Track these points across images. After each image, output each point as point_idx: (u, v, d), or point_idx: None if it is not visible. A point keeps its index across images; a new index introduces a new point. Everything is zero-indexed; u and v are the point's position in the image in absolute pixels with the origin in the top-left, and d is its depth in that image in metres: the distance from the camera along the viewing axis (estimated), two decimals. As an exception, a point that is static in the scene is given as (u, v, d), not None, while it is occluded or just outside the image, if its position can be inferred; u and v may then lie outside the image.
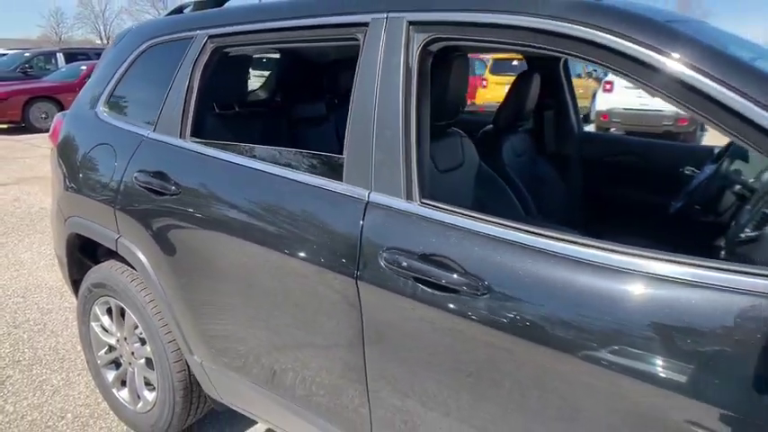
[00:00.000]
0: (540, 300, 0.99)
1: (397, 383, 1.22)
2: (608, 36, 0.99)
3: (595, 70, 11.48)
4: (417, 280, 1.11)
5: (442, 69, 1.52)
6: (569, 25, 1.04)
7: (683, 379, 0.85)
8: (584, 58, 1.05)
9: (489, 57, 11.45)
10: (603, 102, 9.44)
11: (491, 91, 10.61)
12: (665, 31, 0.96)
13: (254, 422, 2.10)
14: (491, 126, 2.26)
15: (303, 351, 1.40)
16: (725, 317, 0.82)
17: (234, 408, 1.75)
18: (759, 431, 0.79)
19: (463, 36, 1.21)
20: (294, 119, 2.39)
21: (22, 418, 2.18)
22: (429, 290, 1.09)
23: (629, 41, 0.97)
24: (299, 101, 2.48)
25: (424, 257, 1.11)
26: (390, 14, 1.28)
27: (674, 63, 0.92)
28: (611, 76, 9.49)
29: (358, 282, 1.20)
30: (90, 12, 48.95)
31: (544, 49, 1.10)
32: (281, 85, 2.66)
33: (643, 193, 2.22)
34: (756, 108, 0.86)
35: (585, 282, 0.95)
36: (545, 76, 2.31)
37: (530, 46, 1.13)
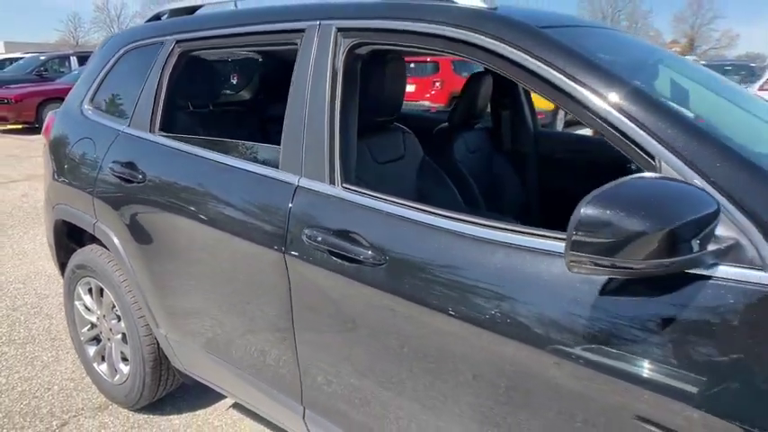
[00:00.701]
0: (430, 268, 1.14)
1: (319, 346, 1.38)
2: (488, 40, 1.15)
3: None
4: (331, 253, 1.27)
5: (377, 71, 1.68)
6: (459, 31, 1.19)
7: (554, 337, 0.99)
8: (475, 60, 1.21)
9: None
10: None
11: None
12: (532, 34, 1.12)
13: (222, 396, 2.27)
14: (446, 124, 2.42)
15: (245, 321, 1.57)
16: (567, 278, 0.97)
17: (194, 377, 1.92)
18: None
19: (382, 41, 1.38)
20: (266, 117, 2.57)
21: (12, 389, 2.38)
22: (339, 261, 1.26)
23: (505, 44, 1.12)
24: (272, 100, 2.66)
25: (338, 233, 1.28)
26: (322, 22, 1.45)
27: (535, 62, 1.08)
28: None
29: (285, 256, 1.37)
30: (106, 16, 49.99)
31: (445, 52, 1.26)
32: (261, 85, 2.84)
33: (594, 187, 2.35)
34: (599, 101, 1.00)
35: (464, 252, 1.10)
36: (500, 77, 2.46)
37: (435, 49, 1.29)
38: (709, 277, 0.85)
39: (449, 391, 1.15)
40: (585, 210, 0.78)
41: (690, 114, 0.99)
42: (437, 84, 11.21)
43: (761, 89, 7.86)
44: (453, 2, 1.28)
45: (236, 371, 1.67)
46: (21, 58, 13.28)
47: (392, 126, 1.93)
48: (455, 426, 1.16)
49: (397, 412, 1.27)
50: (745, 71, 14.87)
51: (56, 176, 2.24)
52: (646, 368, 0.88)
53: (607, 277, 0.91)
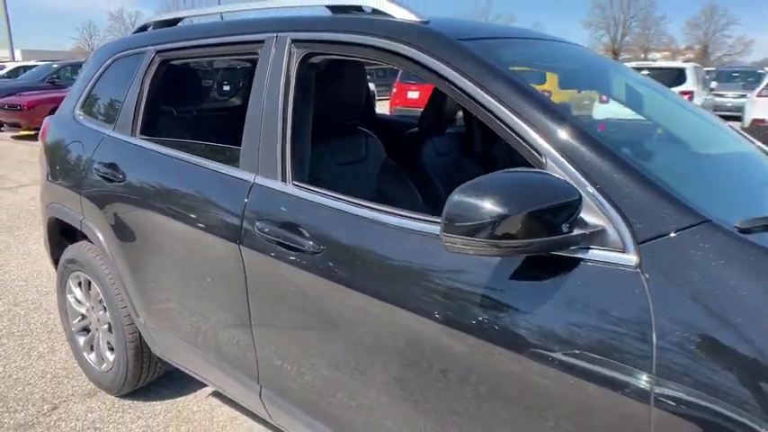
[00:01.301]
0: (357, 254, 1.27)
1: (271, 329, 1.51)
2: (412, 50, 1.28)
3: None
4: (278, 243, 1.41)
5: (335, 79, 1.82)
6: (391, 42, 1.33)
7: (442, 309, 1.12)
8: (405, 68, 1.34)
9: (561, 71, 11.78)
10: (599, 112, 9.57)
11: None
12: (449, 45, 1.25)
13: (202, 385, 2.41)
14: (416, 128, 2.55)
15: (210, 308, 1.71)
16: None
17: (170, 362, 2.07)
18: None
19: (331, 51, 1.52)
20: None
21: (9, 377, 2.54)
22: (285, 250, 1.39)
23: (424, 54, 1.26)
24: None
25: (285, 225, 1.41)
26: (279, 34, 1.59)
27: (449, 69, 1.21)
28: (608, 86, 9.63)
29: (241, 247, 1.51)
30: (120, 24, 50.96)
31: (382, 61, 1.40)
32: (248, 91, 3.00)
33: None
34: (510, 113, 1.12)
35: (382, 238, 1.23)
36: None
37: (373, 59, 1.42)
38: (582, 259, 0.97)
39: (375, 362, 1.27)
40: (456, 197, 0.91)
41: (578, 119, 1.10)
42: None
43: (759, 96, 7.89)
44: (391, 16, 1.42)
45: (203, 354, 1.81)
46: (35, 65, 13.68)
47: (355, 130, 2.07)
48: (382, 395, 1.28)
49: (338, 386, 1.40)
50: (753, 77, 14.84)
51: (49, 177, 2.41)
52: (531, 336, 1.00)
53: (499, 259, 1.03)
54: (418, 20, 1.38)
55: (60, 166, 2.34)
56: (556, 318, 0.97)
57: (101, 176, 2.05)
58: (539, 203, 0.88)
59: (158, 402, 2.36)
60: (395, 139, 2.49)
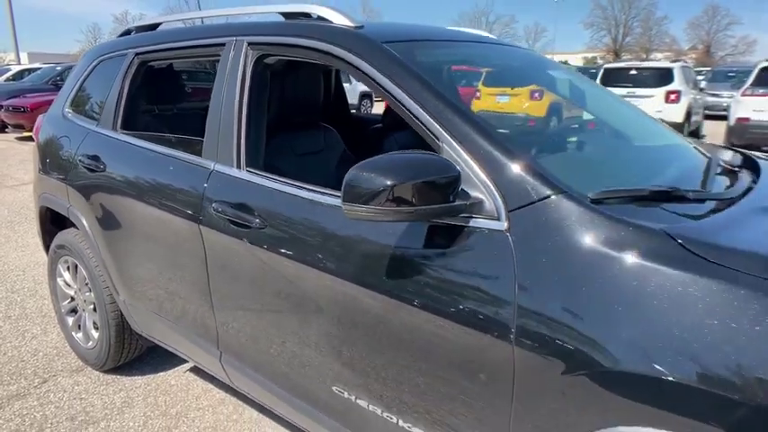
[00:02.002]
0: (292, 226, 1.47)
1: (227, 298, 1.71)
2: (342, 51, 1.47)
3: (588, 80, 11.73)
4: (230, 221, 1.60)
5: (291, 78, 2.01)
6: (327, 45, 1.52)
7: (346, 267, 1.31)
8: (339, 67, 1.53)
9: (483, 70, 11.88)
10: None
11: (484, 101, 11.03)
12: (371, 47, 1.44)
13: (182, 361, 2.60)
14: (380, 125, 2.74)
15: (177, 283, 1.90)
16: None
17: (147, 336, 2.26)
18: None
19: (280, 53, 1.71)
20: None
21: (4, 355, 2.74)
22: (236, 227, 1.59)
23: (353, 54, 1.44)
24: None
25: (236, 205, 1.60)
26: (237, 38, 1.79)
27: (370, 68, 1.40)
28: (598, 86, 9.80)
29: (200, 227, 1.70)
30: (125, 27, 51.38)
31: (321, 61, 1.59)
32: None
33: None
34: (413, 103, 1.31)
35: (308, 213, 1.43)
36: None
37: (316, 59, 1.61)
38: (465, 226, 1.16)
39: (310, 323, 1.46)
40: (353, 171, 1.09)
41: (468, 110, 1.27)
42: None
43: (743, 94, 8.03)
44: (330, 22, 1.61)
45: (173, 326, 2.01)
46: (38, 68, 13.97)
47: (315, 124, 2.26)
48: (315, 353, 1.47)
49: (283, 347, 1.59)
50: (748, 77, 14.96)
51: (41, 170, 2.61)
52: (425, 291, 1.18)
53: (403, 226, 1.22)
54: (353, 25, 1.57)
55: (51, 160, 2.54)
56: (444, 274, 1.16)
57: (85, 167, 2.25)
58: (421, 177, 1.07)
59: (139, 377, 2.56)
60: (365, 134, 2.69)
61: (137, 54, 2.25)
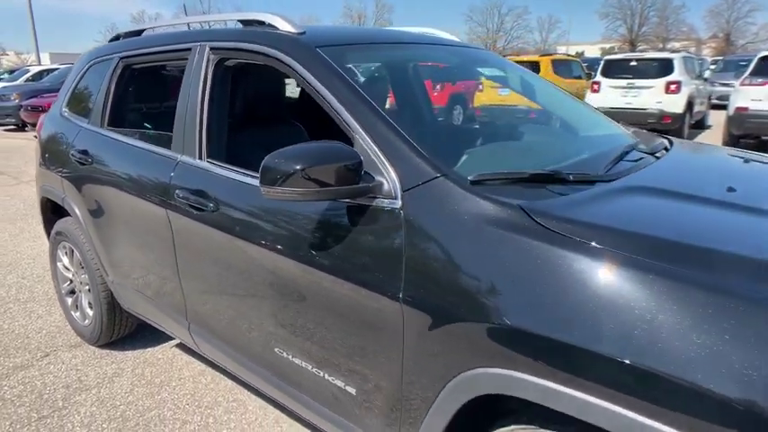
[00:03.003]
0: (235, 208, 1.68)
1: (192, 274, 1.93)
2: (282, 54, 1.67)
3: (590, 73, 11.73)
4: (190, 205, 1.83)
5: (252, 79, 2.22)
6: (271, 49, 1.72)
7: (288, 246, 1.52)
8: (283, 70, 1.72)
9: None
10: (591, 101, 9.78)
11: (486, 94, 11.11)
12: (305, 51, 1.64)
13: (169, 338, 2.85)
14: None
15: (152, 263, 2.14)
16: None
17: (133, 312, 2.51)
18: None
19: (235, 57, 1.92)
20: None
21: (12, 332, 3.03)
22: (195, 211, 1.81)
23: (291, 58, 1.65)
24: None
25: (195, 192, 1.83)
26: (201, 43, 2.01)
27: (303, 69, 1.60)
28: (598, 77, 9.83)
29: (168, 211, 1.93)
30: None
31: (267, 63, 1.79)
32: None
33: None
34: (335, 100, 1.51)
35: (244, 194, 1.64)
36: (396, 78, 2.95)
37: (264, 62, 1.81)
38: (369, 205, 1.35)
39: (253, 292, 1.68)
40: (268, 158, 1.30)
41: (378, 106, 1.47)
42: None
43: (742, 84, 8.00)
44: (277, 29, 1.81)
45: (151, 302, 2.25)
46: (56, 68, 14.46)
47: (284, 121, 2.47)
48: (259, 318, 1.69)
49: (237, 315, 1.81)
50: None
51: (41, 164, 2.88)
52: (336, 260, 1.39)
53: (324, 206, 1.43)
54: (295, 31, 1.77)
55: (49, 154, 2.81)
56: (352, 246, 1.36)
57: (76, 161, 2.50)
58: (325, 162, 1.27)
59: (130, 351, 2.82)
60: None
61: (121, 58, 2.48)
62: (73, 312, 2.94)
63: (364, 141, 1.41)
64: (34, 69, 14.99)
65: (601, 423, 1.00)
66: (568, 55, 13.56)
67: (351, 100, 1.47)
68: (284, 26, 1.80)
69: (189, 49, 2.06)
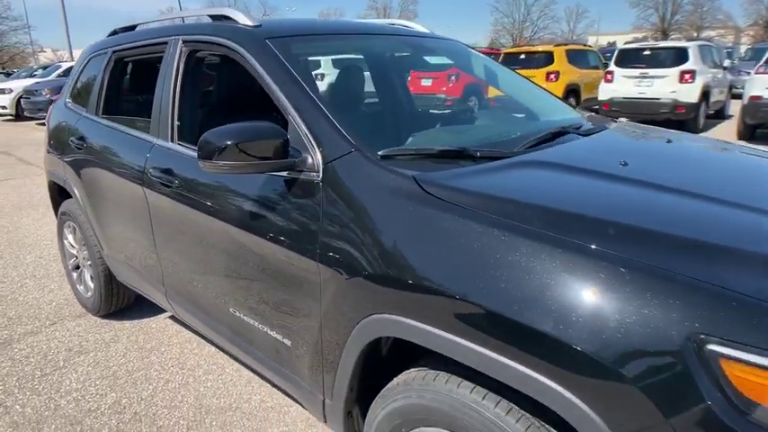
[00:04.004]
0: (192, 183, 1.89)
1: (166, 245, 2.16)
2: (237, 46, 1.86)
3: (607, 63, 11.56)
4: (160, 182, 2.05)
5: (220, 71, 2.42)
6: (228, 41, 1.91)
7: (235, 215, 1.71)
8: (239, 62, 1.91)
9: (501, 53, 11.94)
10: (605, 91, 9.68)
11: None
12: (255, 42, 1.82)
13: (162, 311, 3.11)
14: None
15: (135, 236, 2.37)
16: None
17: (126, 284, 2.77)
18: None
19: (202, 48, 2.13)
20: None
21: (26, 303, 3.34)
22: (164, 187, 2.03)
23: (244, 49, 1.83)
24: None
25: (164, 170, 2.04)
26: (175, 37, 2.22)
27: (253, 59, 1.78)
28: (612, 66, 9.72)
29: (144, 188, 2.16)
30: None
31: (228, 55, 1.98)
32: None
33: None
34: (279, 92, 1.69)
35: (204, 174, 1.84)
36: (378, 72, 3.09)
37: (225, 53, 2.00)
38: (297, 178, 1.54)
39: (211, 258, 1.89)
40: (204, 135, 1.49)
41: (311, 90, 1.64)
42: (452, 78, 11.73)
43: (757, 72, 7.83)
44: (237, 22, 2.00)
45: (137, 272, 2.49)
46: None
47: (248, 107, 2.65)
48: (216, 282, 1.90)
49: (201, 281, 2.02)
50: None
51: (49, 150, 3.16)
52: (271, 225, 1.58)
53: (260, 179, 1.62)
54: (251, 24, 1.96)
55: (54, 141, 3.08)
56: (283, 214, 1.55)
57: (75, 146, 2.76)
58: (254, 139, 1.45)
59: (127, 321, 3.09)
60: None
61: (114, 52, 2.73)
62: (78, 286, 3.23)
63: (295, 122, 1.59)
64: (65, 65, 15.65)
65: (464, 360, 1.16)
66: (585, 45, 13.39)
67: (287, 85, 1.66)
68: (243, 20, 1.99)
69: (166, 43, 2.27)
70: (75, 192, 2.82)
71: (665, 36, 43.01)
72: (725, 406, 0.88)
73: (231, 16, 2.05)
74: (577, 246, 1.06)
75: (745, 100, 7.89)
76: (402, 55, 2.38)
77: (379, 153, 1.48)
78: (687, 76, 8.73)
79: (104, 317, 3.12)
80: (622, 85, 9.32)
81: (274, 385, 2.32)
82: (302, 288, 1.53)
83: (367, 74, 2.39)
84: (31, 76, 16.75)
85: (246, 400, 2.35)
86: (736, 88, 11.58)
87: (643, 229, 1.10)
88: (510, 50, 11.73)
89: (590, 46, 13.40)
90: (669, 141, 1.93)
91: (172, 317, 3.11)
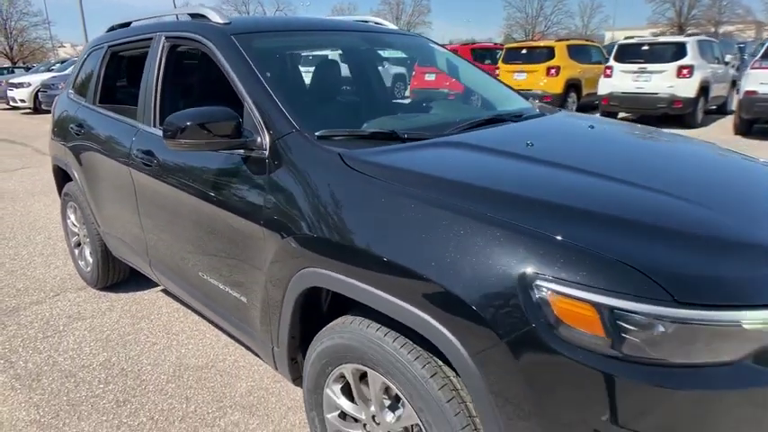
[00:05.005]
0: (164, 162, 2.15)
1: (149, 218, 2.43)
2: (208, 42, 2.11)
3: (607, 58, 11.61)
4: (143, 162, 2.31)
5: (199, 64, 2.68)
6: (201, 37, 2.16)
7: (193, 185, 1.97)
8: (211, 57, 2.15)
9: (504, 47, 12.06)
10: (604, 86, 9.78)
11: (502, 79, 11.22)
12: (222, 38, 2.07)
13: (155, 285, 3.39)
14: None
15: (124, 212, 2.65)
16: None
17: (119, 257, 3.05)
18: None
19: (180, 43, 2.38)
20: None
21: (33, 277, 3.66)
22: (144, 166, 2.29)
23: (213, 44, 2.08)
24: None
25: (145, 151, 2.31)
26: (158, 33, 2.48)
27: (217, 52, 2.03)
28: (611, 62, 9.80)
29: (129, 168, 2.43)
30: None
31: (201, 50, 2.22)
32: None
33: None
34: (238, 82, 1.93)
35: (175, 154, 2.09)
36: (356, 64, 3.31)
37: (198, 48, 2.25)
38: (251, 156, 1.78)
39: (183, 227, 2.14)
40: (168, 117, 1.74)
41: (265, 79, 1.88)
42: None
43: (752, 68, 7.87)
44: (209, 19, 2.25)
45: (126, 244, 2.77)
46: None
47: (227, 98, 2.91)
48: (187, 249, 2.15)
49: (176, 249, 2.28)
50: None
51: (52, 137, 3.46)
52: (229, 199, 1.83)
53: (222, 156, 1.87)
54: (221, 21, 2.20)
55: (58, 128, 3.38)
56: (236, 186, 1.80)
57: (74, 133, 3.05)
58: (210, 120, 1.70)
59: (123, 293, 3.38)
60: None
61: (109, 46, 3.00)
62: (79, 261, 3.53)
63: (250, 107, 1.84)
64: (82, 61, 16.13)
65: (369, 303, 1.40)
66: (588, 40, 13.43)
67: (244, 76, 1.90)
68: (215, 18, 2.24)
69: (152, 38, 2.53)
70: (75, 174, 3.10)
71: (682, 32, 42.36)
72: (546, 329, 1.10)
73: (206, 14, 2.30)
74: (449, 205, 1.29)
75: (741, 95, 7.95)
76: (360, 49, 2.62)
77: (317, 134, 1.71)
78: (685, 71, 8.80)
79: (102, 289, 3.41)
80: (621, 79, 9.41)
81: (243, 344, 2.58)
82: (252, 250, 1.77)
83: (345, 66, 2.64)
84: (49, 70, 17.29)
85: (222, 360, 2.62)
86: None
87: (505, 192, 1.33)
88: (511, 46, 11.83)
89: (593, 41, 13.43)
90: (591, 127, 2.14)
91: (163, 290, 3.39)
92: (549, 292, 1.11)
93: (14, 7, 44.51)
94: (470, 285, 1.18)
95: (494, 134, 1.91)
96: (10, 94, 16.10)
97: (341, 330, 1.54)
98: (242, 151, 1.80)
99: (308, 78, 2.65)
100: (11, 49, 44.76)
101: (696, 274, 1.11)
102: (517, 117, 2.24)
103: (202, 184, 1.97)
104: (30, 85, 15.53)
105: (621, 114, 10.52)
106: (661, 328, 1.06)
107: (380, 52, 2.66)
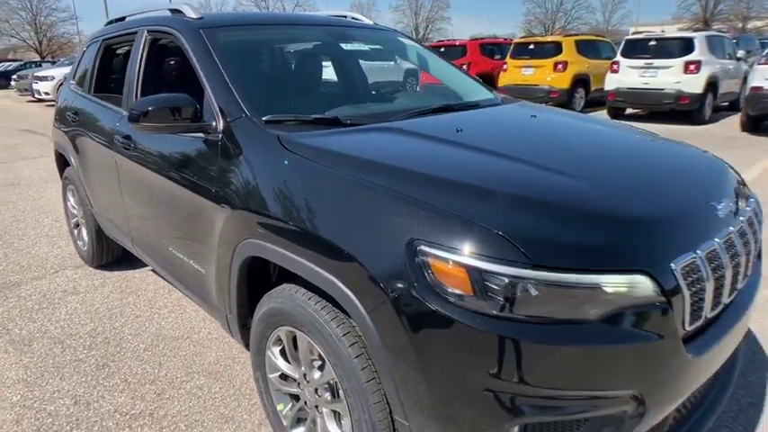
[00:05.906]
0: (141, 146, 2.34)
1: (130, 199, 2.63)
2: (181, 36, 2.29)
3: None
4: (123, 146, 2.51)
5: (178, 56, 2.86)
6: (175, 31, 2.35)
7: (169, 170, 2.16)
8: (183, 50, 2.34)
9: (512, 42, 12.06)
10: (610, 81, 9.73)
11: (510, 74, 11.26)
12: (192, 33, 2.24)
13: (146, 265, 3.62)
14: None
15: (111, 194, 2.86)
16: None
17: (111, 237, 3.28)
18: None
19: (159, 37, 2.57)
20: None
21: (37, 256, 3.93)
22: (125, 149, 2.50)
23: (184, 38, 2.26)
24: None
25: (125, 136, 2.51)
26: (141, 28, 2.68)
27: (187, 45, 2.21)
28: (618, 57, 9.75)
29: (113, 151, 2.64)
30: (206, 10, 54.64)
31: (176, 44, 2.41)
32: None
33: None
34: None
35: (150, 138, 2.28)
36: (337, 58, 3.48)
37: (173, 42, 2.44)
38: (203, 137, 1.96)
39: (155, 205, 2.34)
40: (133, 104, 1.92)
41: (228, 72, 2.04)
42: (464, 66, 11.90)
43: (760, 63, 7.77)
44: (184, 15, 2.43)
45: (114, 223, 2.99)
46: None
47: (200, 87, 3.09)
48: (159, 226, 2.35)
49: (152, 226, 2.48)
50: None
51: (54, 125, 3.70)
52: (188, 178, 2.01)
53: (186, 139, 2.05)
54: (194, 16, 2.38)
55: (59, 116, 3.62)
56: (194, 167, 1.98)
57: (71, 120, 3.28)
58: (169, 105, 1.88)
59: (117, 272, 3.61)
60: None
61: (103, 40, 3.22)
62: (78, 241, 3.78)
63: (208, 94, 2.01)
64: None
65: (294, 269, 1.56)
66: (597, 35, 13.32)
67: (206, 66, 2.08)
68: (189, 13, 2.42)
69: (136, 32, 2.73)
70: (71, 159, 3.34)
71: (707, 27, 41.34)
72: (426, 289, 1.25)
73: (182, 10, 2.49)
74: (358, 180, 1.45)
75: (747, 91, 7.86)
76: (325, 42, 2.80)
77: (264, 118, 1.88)
78: (692, 66, 8.72)
79: (98, 267, 3.65)
80: (627, 75, 9.37)
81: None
82: (208, 224, 1.95)
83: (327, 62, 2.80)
84: (72, 64, 17.83)
85: (197, 332, 2.82)
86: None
87: (408, 170, 1.48)
88: (518, 41, 11.83)
89: (602, 36, 13.32)
90: (533, 116, 2.26)
91: (153, 269, 3.61)
92: (429, 257, 1.26)
93: (44, 3, 45.95)
94: (371, 251, 1.34)
95: (433, 121, 2.06)
96: (35, 86, 16.71)
97: (276, 296, 1.71)
98: (201, 135, 1.98)
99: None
100: (40, 43, 46.19)
101: (554, 238, 1.24)
102: (473, 106, 2.38)
103: (170, 165, 2.15)
104: (53, 78, 16.08)
105: (629, 111, 10.46)
106: (524, 289, 1.20)
107: (344, 45, 2.82)
